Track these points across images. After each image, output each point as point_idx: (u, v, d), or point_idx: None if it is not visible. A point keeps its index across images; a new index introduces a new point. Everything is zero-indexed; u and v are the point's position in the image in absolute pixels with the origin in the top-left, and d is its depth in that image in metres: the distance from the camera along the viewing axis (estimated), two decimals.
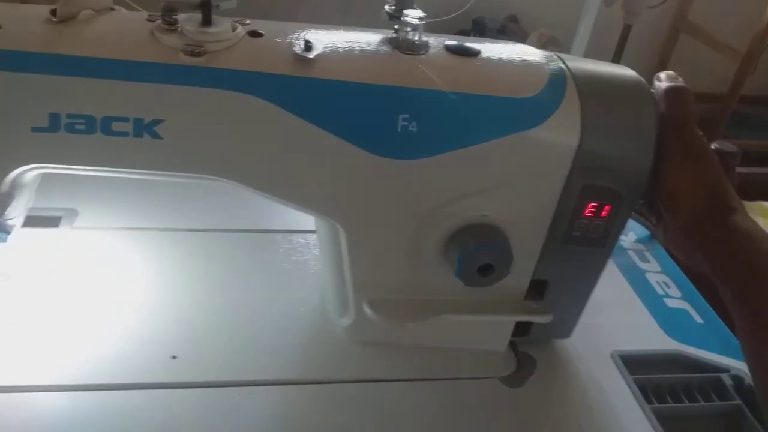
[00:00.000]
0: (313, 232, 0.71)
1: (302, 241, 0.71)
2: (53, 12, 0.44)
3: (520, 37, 2.17)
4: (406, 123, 0.45)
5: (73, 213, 0.70)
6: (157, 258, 0.65)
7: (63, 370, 0.52)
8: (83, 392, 0.51)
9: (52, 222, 0.68)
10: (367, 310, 0.54)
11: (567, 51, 2.07)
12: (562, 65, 0.50)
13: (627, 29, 2.04)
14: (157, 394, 0.52)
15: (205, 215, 0.72)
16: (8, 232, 0.51)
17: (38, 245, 0.64)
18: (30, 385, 0.51)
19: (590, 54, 1.96)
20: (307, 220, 0.71)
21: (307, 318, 0.61)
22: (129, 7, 0.48)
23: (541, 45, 2.20)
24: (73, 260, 0.63)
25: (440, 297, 0.55)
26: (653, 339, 0.65)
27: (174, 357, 0.55)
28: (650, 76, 0.52)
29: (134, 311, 0.59)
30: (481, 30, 2.13)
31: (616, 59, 2.00)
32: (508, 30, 2.19)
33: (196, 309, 0.60)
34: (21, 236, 0.55)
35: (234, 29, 0.45)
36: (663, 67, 2.55)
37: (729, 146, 1.36)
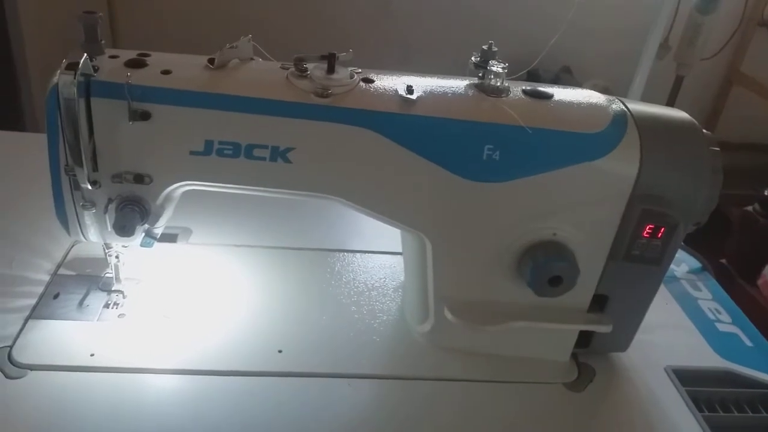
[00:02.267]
0: (391, 253, 0.80)
1: (382, 261, 0.80)
2: (210, 61, 0.56)
3: (573, 88, 2.26)
4: (491, 152, 0.55)
5: (188, 231, 0.81)
6: (260, 270, 0.75)
7: (183, 356, 0.62)
8: (201, 376, 0.61)
9: (170, 238, 0.79)
10: (448, 315, 0.62)
11: None
12: (623, 107, 0.58)
13: (679, 81, 2.11)
14: (266, 381, 0.61)
15: (299, 236, 0.82)
16: (155, 239, 0.62)
17: (161, 258, 0.74)
18: (155, 368, 0.61)
19: None
20: (386, 243, 0.81)
21: (389, 325, 0.70)
22: (264, 58, 0.59)
23: None
24: (190, 270, 0.74)
25: (513, 306, 0.62)
26: (705, 357, 0.71)
27: (280, 351, 0.64)
28: (703, 127, 0.60)
29: (243, 313, 0.68)
30: (535, 81, 2.23)
31: None
32: (562, 81, 2.28)
33: (295, 314, 0.69)
34: (146, 250, 0.65)
35: (352, 76, 0.56)
36: (716, 119, 2.60)
37: None
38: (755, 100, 2.40)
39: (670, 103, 2.13)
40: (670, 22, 2.05)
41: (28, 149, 0.56)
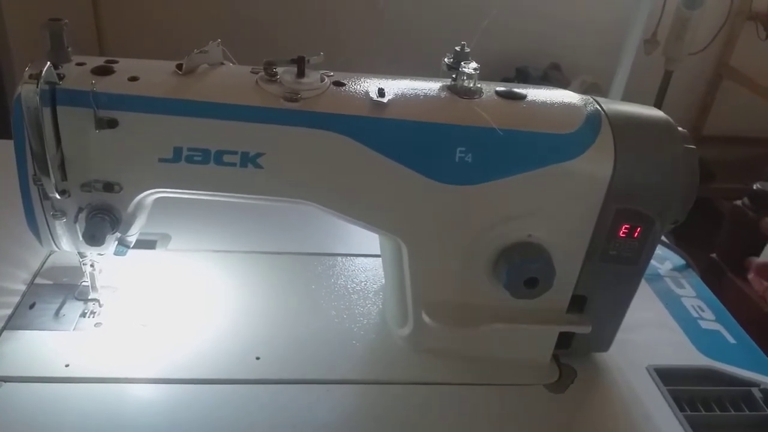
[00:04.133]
0: (372, 255, 0.80)
1: (363, 264, 0.79)
2: (179, 66, 0.55)
3: (563, 84, 2.26)
4: (463, 154, 0.54)
5: (167, 237, 0.80)
6: (239, 276, 0.75)
7: (160, 365, 0.62)
8: (178, 385, 0.60)
9: (149, 245, 0.79)
10: (426, 318, 0.62)
11: (608, 97, 2.14)
12: (598, 106, 0.58)
13: (668, 75, 2.11)
14: (243, 389, 0.61)
15: (279, 241, 0.81)
16: (128, 247, 0.62)
17: (139, 265, 0.74)
18: (131, 378, 0.60)
19: (631, 100, 2.03)
20: (366, 246, 0.80)
21: (369, 329, 0.69)
22: (240, 62, 0.58)
23: (582, 91, 2.27)
24: (169, 277, 0.73)
25: (491, 308, 0.62)
26: (687, 356, 0.70)
27: (257, 358, 0.64)
28: (693, 121, 0.59)
29: (221, 320, 0.68)
30: (524, 78, 2.23)
31: (657, 105, 2.06)
32: (551, 77, 2.28)
33: (274, 319, 0.69)
34: (124, 257, 0.65)
35: (322, 80, 0.55)
36: (705, 113, 2.60)
37: None
38: (745, 93, 2.40)
39: (660, 97, 2.12)
40: (658, 17, 2.05)
41: (11, 157, 0.55)
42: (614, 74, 2.04)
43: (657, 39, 2.09)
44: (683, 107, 2.50)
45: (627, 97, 1.93)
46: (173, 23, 2.18)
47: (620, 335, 0.67)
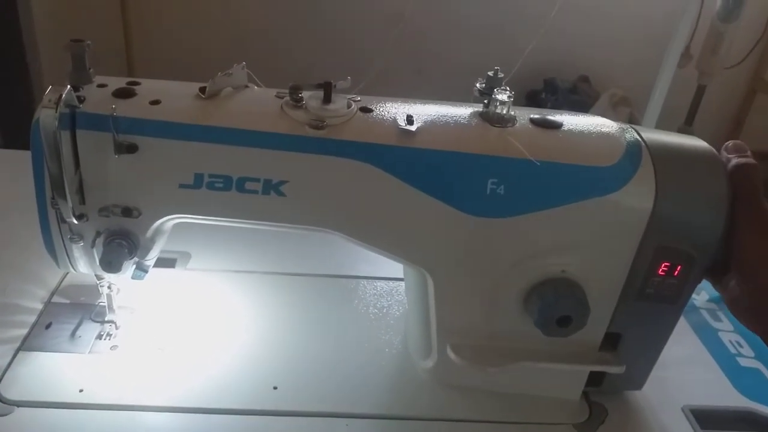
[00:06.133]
0: (395, 279, 0.77)
1: (386, 287, 0.77)
2: (202, 90, 0.53)
3: (592, 97, 2.22)
4: (495, 186, 0.51)
5: (186, 256, 0.79)
6: (258, 298, 0.73)
7: (174, 393, 0.60)
8: (192, 414, 0.58)
9: (168, 263, 0.77)
10: (451, 354, 0.59)
11: (639, 111, 2.10)
12: (637, 136, 0.55)
13: (701, 90, 2.06)
14: (259, 420, 0.59)
15: (301, 261, 0.79)
16: (146, 271, 0.60)
17: (157, 284, 0.72)
18: (144, 405, 0.58)
19: (664, 114, 1.99)
20: (390, 269, 0.78)
21: (392, 359, 0.67)
22: (266, 85, 0.57)
23: (612, 105, 2.24)
24: (187, 298, 0.72)
25: (519, 345, 0.59)
26: (725, 396, 0.67)
27: (275, 388, 0.61)
28: (725, 136, 0.57)
29: (239, 345, 0.66)
30: (552, 90, 2.19)
31: (690, 120, 2.01)
32: (580, 90, 2.24)
33: (293, 346, 0.67)
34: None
35: (349, 106, 0.53)
36: (739, 128, 2.54)
37: None
38: None
39: (692, 112, 2.07)
40: (692, 30, 2.00)
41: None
42: (644, 88, 1.99)
43: (690, 53, 2.04)
44: (716, 122, 2.44)
45: (660, 114, 1.89)
46: (200, 42, 2.18)
47: (654, 372, 0.63)
